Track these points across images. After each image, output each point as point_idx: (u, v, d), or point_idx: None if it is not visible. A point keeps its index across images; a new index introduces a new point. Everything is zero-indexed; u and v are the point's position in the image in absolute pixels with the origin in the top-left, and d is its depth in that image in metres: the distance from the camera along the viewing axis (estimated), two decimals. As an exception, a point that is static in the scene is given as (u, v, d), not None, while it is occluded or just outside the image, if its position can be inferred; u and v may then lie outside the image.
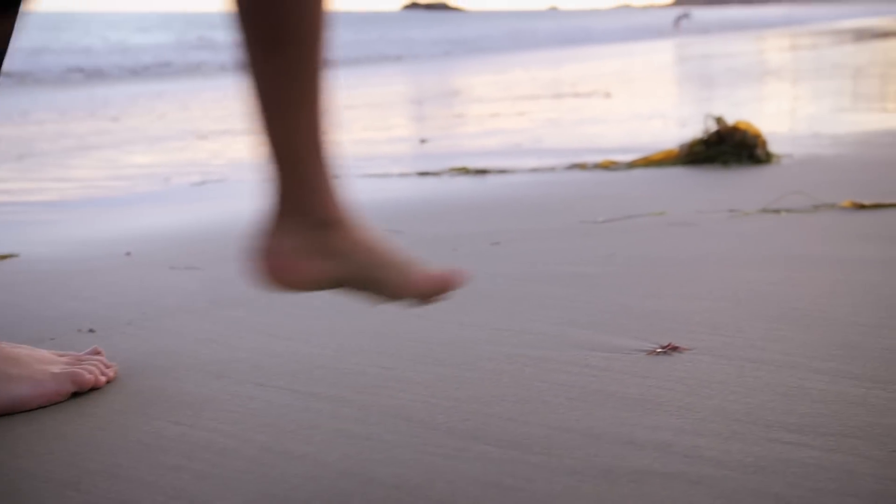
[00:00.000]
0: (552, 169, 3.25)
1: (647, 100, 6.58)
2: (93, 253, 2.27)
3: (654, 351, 1.31)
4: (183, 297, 1.75)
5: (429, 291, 1.11)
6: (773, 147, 3.39)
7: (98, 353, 1.32)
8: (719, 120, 3.18)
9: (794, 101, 6.03)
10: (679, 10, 28.72)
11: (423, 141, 4.64)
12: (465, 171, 3.31)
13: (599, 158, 3.38)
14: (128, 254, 2.20)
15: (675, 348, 1.31)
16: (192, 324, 1.56)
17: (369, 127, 5.59)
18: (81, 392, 1.23)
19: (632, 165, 3.21)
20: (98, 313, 1.65)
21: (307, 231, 1.08)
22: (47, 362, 1.25)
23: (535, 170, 3.25)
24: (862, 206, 2.25)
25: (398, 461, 0.99)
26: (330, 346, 1.41)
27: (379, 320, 1.51)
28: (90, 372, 1.25)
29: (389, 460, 1.00)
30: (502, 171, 3.25)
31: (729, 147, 3.12)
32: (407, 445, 1.03)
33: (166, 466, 1.00)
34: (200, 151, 4.82)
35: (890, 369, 1.18)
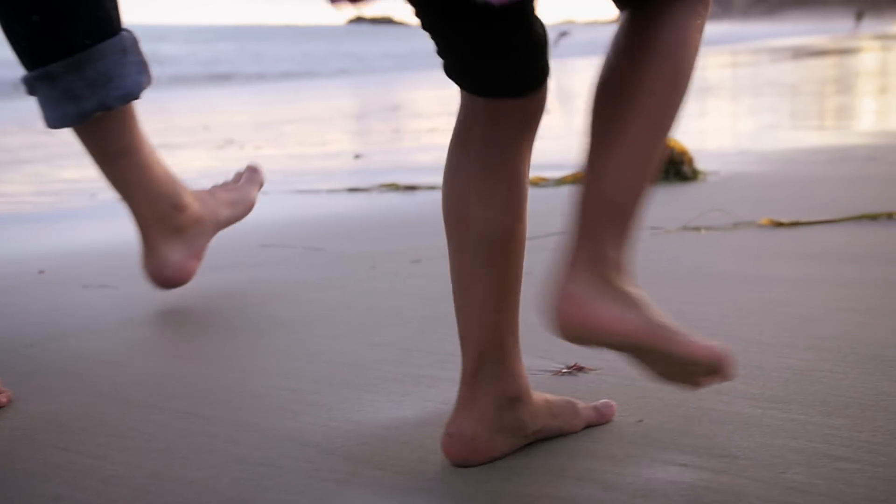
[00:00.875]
0: (482, 185, 3.25)
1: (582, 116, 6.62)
2: (5, 271, 2.21)
3: (560, 371, 1.30)
4: (91, 316, 1.71)
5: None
6: (702, 164, 3.42)
7: (-8, 377, 1.28)
8: (647, 137, 3.20)
9: (727, 118, 6.12)
10: (560, 28, 28.88)
11: (357, 156, 4.62)
12: (395, 188, 3.29)
13: (531, 174, 3.39)
14: (41, 272, 2.16)
15: (580, 368, 1.31)
16: (96, 345, 1.53)
17: (304, 142, 5.56)
18: (-30, 418, 1.20)
19: (561, 182, 3.22)
20: (0, 335, 1.60)
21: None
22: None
23: (464, 186, 3.25)
24: (780, 224, 2.27)
25: (289, 487, 0.98)
26: (235, 367, 1.39)
27: (287, 340, 1.49)
28: (-21, 398, 1.21)
29: (280, 486, 0.98)
30: (432, 188, 3.24)
31: (656, 164, 3.14)
32: (300, 471, 1.01)
33: (47, 497, 0.97)
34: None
35: (788, 389, 1.18)
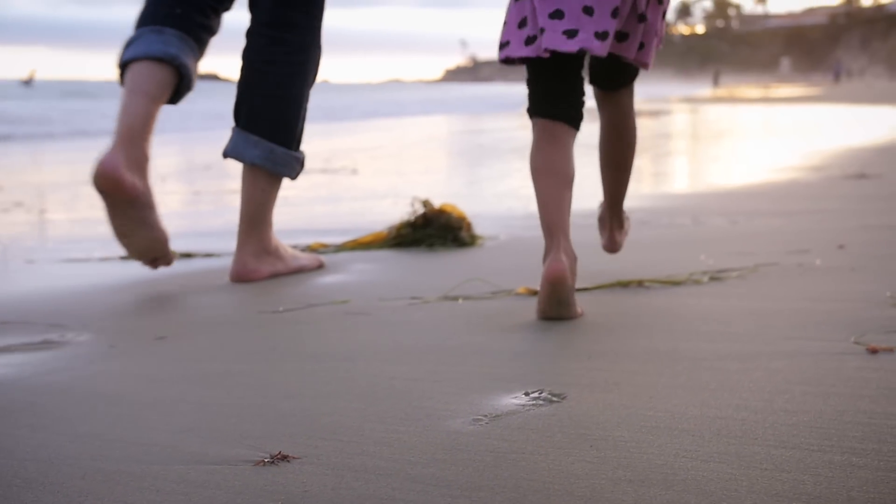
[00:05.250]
0: (261, 252, 3.18)
1: (388, 177, 6.67)
2: None
3: (262, 461, 1.26)
4: None
5: None
6: (485, 228, 3.48)
7: None
8: (425, 203, 3.23)
9: (524, 179, 6.27)
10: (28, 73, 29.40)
11: (146, 220, 4.46)
12: (171, 255, 3.18)
13: (312, 240, 3.35)
14: None
15: (284, 457, 1.27)
16: None
17: (95, 205, 5.34)
18: None
19: (341, 248, 3.19)
20: None
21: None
22: None
23: (243, 253, 3.17)
24: (536, 293, 2.30)
25: None
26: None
27: (-19, 436, 1.39)
28: None
29: None
30: (209, 255, 3.15)
31: (434, 230, 3.16)
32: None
33: None
34: None
35: (484, 476, 1.17)
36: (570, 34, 2.01)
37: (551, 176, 2.14)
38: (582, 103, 2.19)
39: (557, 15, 2.02)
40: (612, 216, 2.63)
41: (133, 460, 1.27)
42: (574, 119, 2.17)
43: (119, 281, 2.75)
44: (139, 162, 2.48)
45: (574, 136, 2.18)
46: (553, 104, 2.15)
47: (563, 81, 2.16)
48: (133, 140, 2.46)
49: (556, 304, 2.02)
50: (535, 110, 2.18)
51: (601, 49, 2.03)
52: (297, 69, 2.68)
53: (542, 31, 2.04)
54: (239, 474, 1.21)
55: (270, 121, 2.65)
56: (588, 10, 2.01)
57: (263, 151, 2.63)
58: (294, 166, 2.71)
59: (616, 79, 2.38)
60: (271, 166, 2.64)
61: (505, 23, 2.17)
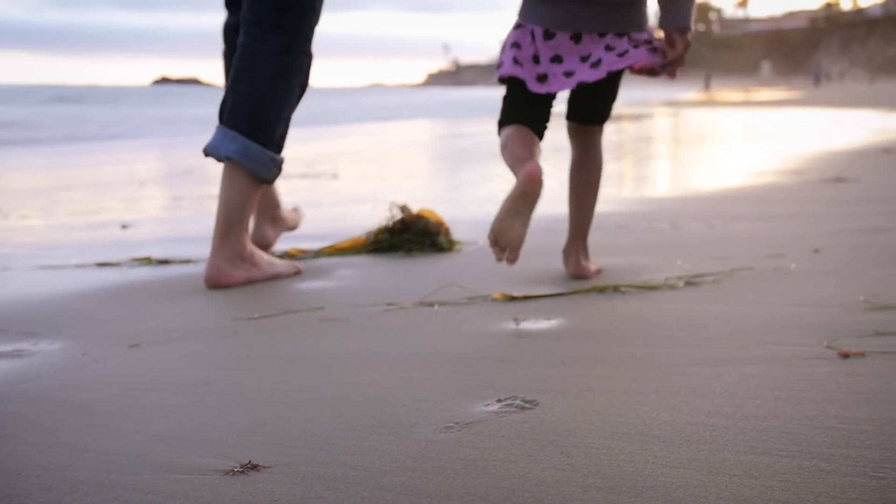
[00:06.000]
0: (238, 258, 3.17)
1: (369, 182, 6.66)
2: None
3: (232, 471, 1.25)
4: None
5: None
6: (465, 233, 3.47)
7: None
8: (403, 208, 3.22)
9: (505, 184, 6.27)
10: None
11: (124, 227, 4.45)
12: (148, 262, 3.17)
13: (291, 246, 3.34)
14: None
15: (254, 467, 1.26)
16: None
17: (74, 210, 5.33)
18: None
19: (319, 254, 3.18)
20: None
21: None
22: None
23: (220, 259, 3.16)
24: (512, 298, 2.31)
25: None
26: None
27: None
28: None
29: None
30: (186, 261, 3.14)
31: (412, 235, 3.16)
32: None
33: None
34: None
35: (453, 484, 1.17)
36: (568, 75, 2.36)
37: (519, 139, 2.36)
38: (545, 127, 2.46)
39: (557, 60, 2.37)
40: (580, 246, 2.61)
41: (101, 470, 1.26)
42: (539, 131, 2.43)
43: (94, 288, 2.74)
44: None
45: (538, 143, 2.39)
46: (525, 116, 2.42)
47: (541, 103, 2.44)
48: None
49: (520, 209, 2.19)
50: (506, 121, 2.45)
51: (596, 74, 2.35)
52: (280, 70, 2.69)
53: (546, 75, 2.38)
54: (208, 484, 1.20)
55: (249, 117, 2.67)
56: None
57: (239, 147, 2.65)
58: (270, 168, 2.70)
59: (590, 114, 2.57)
60: (246, 162, 2.64)
61: (503, 48, 2.48)
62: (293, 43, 2.71)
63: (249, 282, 2.69)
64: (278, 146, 2.74)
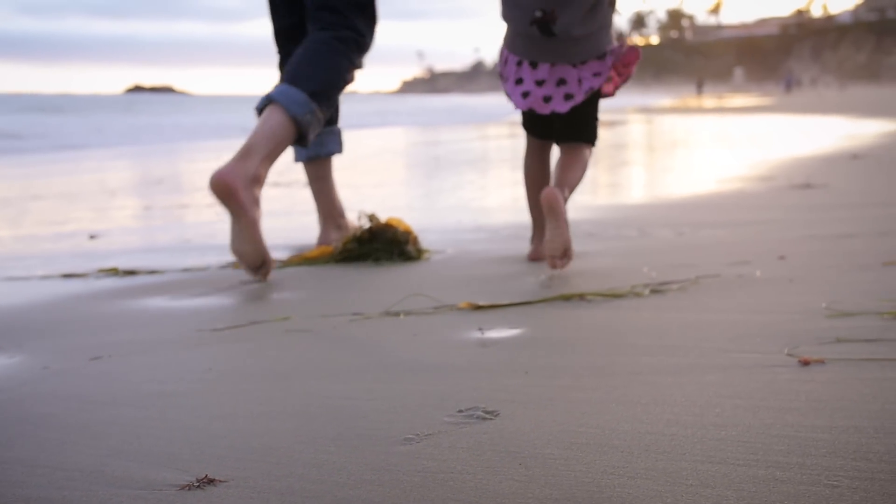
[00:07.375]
0: (205, 268, 3.16)
1: (340, 191, 6.61)
2: None
3: (188, 485, 1.24)
4: None
5: None
6: (434, 242, 3.48)
7: None
8: (372, 217, 3.22)
9: (477, 191, 6.28)
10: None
11: (92, 237, 4.42)
12: (114, 272, 3.15)
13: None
14: None
15: (210, 481, 1.25)
16: None
17: (43, 220, 5.29)
18: None
19: (286, 264, 3.17)
20: None
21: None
22: None
23: (187, 269, 3.14)
24: (478, 307, 2.31)
25: None
26: None
27: None
28: None
29: None
30: (153, 272, 3.12)
31: (380, 244, 3.15)
32: None
33: None
34: None
35: (410, 497, 1.17)
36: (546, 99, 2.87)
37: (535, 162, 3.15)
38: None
39: (540, 83, 2.86)
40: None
41: (55, 486, 1.25)
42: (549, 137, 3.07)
43: (59, 299, 2.72)
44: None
45: (549, 150, 3.13)
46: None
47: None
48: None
49: (552, 223, 2.69)
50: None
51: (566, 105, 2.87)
52: (337, 50, 3.05)
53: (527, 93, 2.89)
54: (163, 499, 1.19)
55: (295, 70, 2.96)
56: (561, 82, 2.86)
57: (281, 90, 2.90)
58: (304, 109, 2.90)
59: (572, 134, 2.96)
60: (283, 99, 2.87)
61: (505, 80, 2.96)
62: (363, 40, 3.13)
63: (242, 208, 2.74)
64: (320, 98, 2.95)
